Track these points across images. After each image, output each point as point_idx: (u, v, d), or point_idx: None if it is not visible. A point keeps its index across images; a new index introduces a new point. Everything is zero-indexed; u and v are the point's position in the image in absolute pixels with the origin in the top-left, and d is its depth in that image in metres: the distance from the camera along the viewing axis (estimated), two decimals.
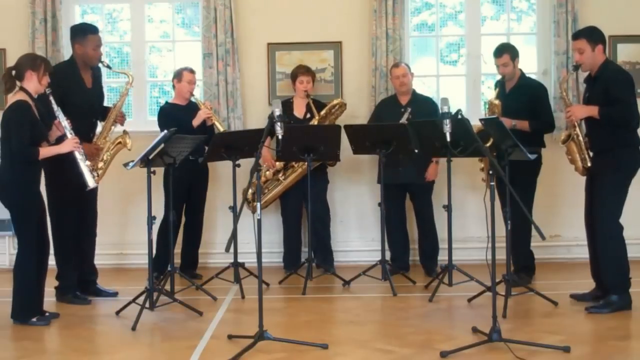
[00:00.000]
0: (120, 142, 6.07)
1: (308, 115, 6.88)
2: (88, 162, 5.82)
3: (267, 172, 6.90)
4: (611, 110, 5.30)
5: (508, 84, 6.38)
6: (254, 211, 6.87)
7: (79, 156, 5.41)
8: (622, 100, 5.30)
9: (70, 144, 5.35)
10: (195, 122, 6.54)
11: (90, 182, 5.48)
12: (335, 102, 6.90)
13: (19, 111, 5.18)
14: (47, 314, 5.46)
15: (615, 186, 5.39)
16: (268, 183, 6.94)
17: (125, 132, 6.12)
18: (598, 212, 5.44)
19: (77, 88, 5.95)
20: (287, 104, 6.95)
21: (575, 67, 5.63)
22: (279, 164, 6.85)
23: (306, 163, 6.45)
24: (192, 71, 6.78)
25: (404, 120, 6.54)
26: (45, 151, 5.25)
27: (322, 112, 6.81)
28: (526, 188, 6.11)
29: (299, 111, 6.94)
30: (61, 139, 5.43)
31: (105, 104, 6.41)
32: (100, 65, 6.13)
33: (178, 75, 6.77)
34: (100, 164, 6.02)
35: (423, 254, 6.95)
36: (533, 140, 6.07)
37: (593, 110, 5.37)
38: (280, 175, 6.91)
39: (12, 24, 7.36)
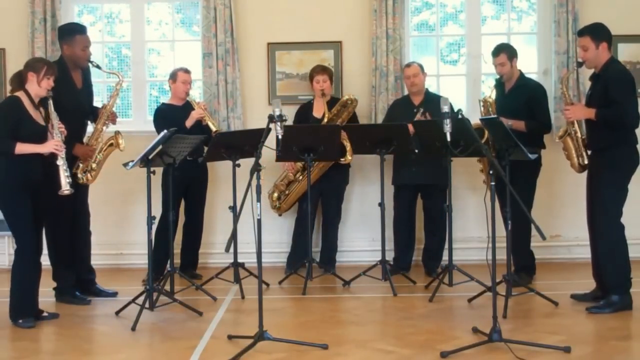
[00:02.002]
0: (112, 144, 6.05)
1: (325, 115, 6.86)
2: (80, 164, 5.83)
3: (289, 174, 6.92)
4: (607, 112, 5.29)
5: (507, 84, 6.38)
6: (280, 214, 6.98)
7: (59, 159, 5.33)
8: (619, 102, 5.28)
9: (51, 144, 5.28)
10: (188, 122, 6.51)
11: (64, 187, 5.36)
12: (344, 98, 6.88)
13: (5, 104, 5.22)
14: (45, 313, 5.45)
15: (613, 185, 5.38)
16: (291, 184, 6.95)
17: (117, 132, 6.09)
18: (597, 212, 5.43)
19: (68, 89, 5.90)
20: (308, 105, 6.98)
21: (579, 63, 5.62)
22: (299, 164, 6.85)
23: (322, 162, 6.54)
24: (186, 71, 6.76)
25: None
26: (23, 147, 5.17)
27: (333, 109, 6.80)
28: (526, 188, 6.09)
29: (317, 111, 6.92)
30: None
31: (98, 103, 6.41)
32: (90, 65, 6.11)
33: (173, 76, 6.76)
34: (93, 165, 6.00)
35: (427, 254, 6.93)
36: (533, 141, 6.06)
37: (591, 113, 5.36)
38: (298, 175, 6.91)
39: (12, 23, 7.35)
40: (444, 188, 6.72)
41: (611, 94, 5.30)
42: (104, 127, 6.10)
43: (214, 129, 6.54)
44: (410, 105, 6.77)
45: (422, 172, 6.63)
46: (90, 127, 6.24)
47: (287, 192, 6.97)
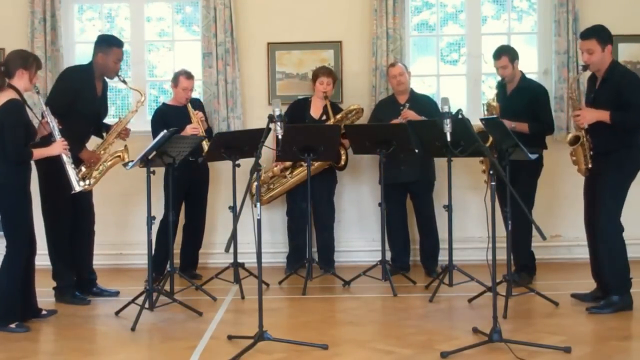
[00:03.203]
0: (119, 156, 6.06)
1: (324, 117, 6.85)
2: (83, 168, 5.84)
3: (275, 169, 6.90)
4: (624, 115, 5.24)
5: (509, 86, 6.36)
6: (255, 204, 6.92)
7: (65, 159, 5.33)
8: (635, 105, 5.24)
9: (60, 146, 5.27)
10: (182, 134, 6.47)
11: (75, 186, 5.39)
12: (352, 107, 6.89)
13: (14, 111, 5.09)
14: (44, 312, 5.44)
15: (616, 187, 5.37)
16: (275, 179, 6.94)
17: (125, 147, 6.12)
18: (598, 213, 5.43)
19: (88, 95, 5.99)
20: (305, 103, 6.97)
21: (584, 67, 5.53)
22: (287, 163, 6.84)
23: (315, 164, 6.53)
24: (189, 77, 6.69)
25: (401, 117, 6.53)
26: (38, 152, 5.19)
27: (338, 116, 6.80)
28: (527, 189, 6.09)
29: (315, 111, 6.93)
30: (46, 139, 5.36)
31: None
32: (116, 78, 6.12)
33: (175, 80, 6.74)
34: (95, 173, 6.01)
35: (424, 254, 6.93)
36: (534, 141, 6.06)
37: (604, 115, 5.29)
38: (288, 172, 6.90)
39: (12, 23, 7.35)
40: (431, 186, 6.76)
41: (626, 97, 5.24)
42: (114, 140, 6.12)
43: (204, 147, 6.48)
44: (396, 104, 6.77)
45: (409, 171, 6.65)
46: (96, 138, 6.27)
47: (270, 186, 6.95)
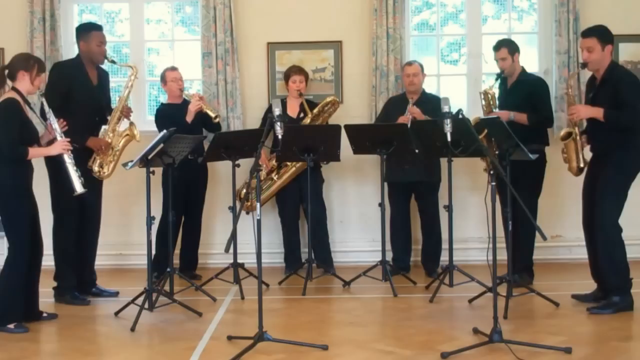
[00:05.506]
0: (128, 135, 6.06)
1: (301, 115, 6.88)
2: (97, 159, 5.82)
3: (261, 172, 6.87)
4: (619, 114, 5.26)
5: (509, 79, 6.36)
6: (247, 211, 6.79)
7: (67, 160, 5.29)
8: (631, 105, 5.25)
9: (59, 146, 5.25)
10: (189, 118, 6.52)
11: (78, 188, 5.33)
12: (328, 99, 6.91)
13: (7, 109, 5.10)
14: (44, 314, 5.43)
15: (616, 188, 5.36)
16: (262, 183, 6.92)
17: (132, 123, 6.12)
18: (597, 214, 5.42)
19: (83, 84, 5.98)
20: (281, 104, 6.95)
21: (582, 64, 5.57)
22: (272, 163, 6.84)
23: (299, 163, 6.53)
24: (173, 69, 6.82)
25: (407, 112, 6.53)
26: (35, 152, 5.16)
27: (315, 110, 6.83)
28: (533, 187, 6.11)
29: (292, 111, 6.94)
30: (52, 142, 5.35)
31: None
32: (105, 61, 6.12)
33: (162, 78, 6.83)
34: (110, 158, 6.01)
35: (425, 254, 6.92)
36: (535, 137, 6.05)
37: (598, 112, 5.32)
38: (274, 174, 6.89)
39: (11, 23, 7.35)
40: (436, 186, 6.74)
41: (622, 97, 5.26)
42: (119, 121, 6.11)
43: (212, 115, 6.54)
44: (406, 102, 6.76)
45: (414, 171, 6.63)
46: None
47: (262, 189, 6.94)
